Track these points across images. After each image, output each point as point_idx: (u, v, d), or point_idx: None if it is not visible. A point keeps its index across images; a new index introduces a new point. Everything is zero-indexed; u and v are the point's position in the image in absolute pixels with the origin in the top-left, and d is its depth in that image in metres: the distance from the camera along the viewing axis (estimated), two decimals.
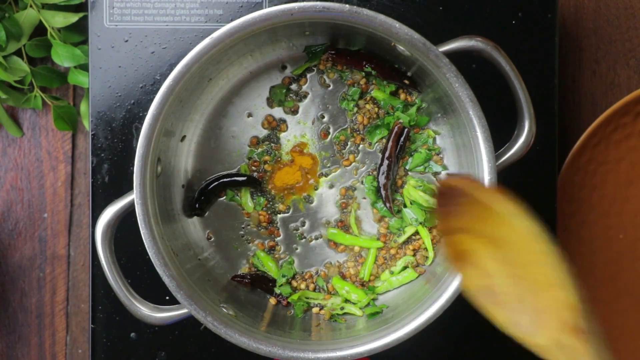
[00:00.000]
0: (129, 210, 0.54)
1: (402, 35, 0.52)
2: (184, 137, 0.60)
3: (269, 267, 0.62)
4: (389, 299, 0.62)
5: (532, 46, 0.63)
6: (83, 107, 0.67)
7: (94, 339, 0.63)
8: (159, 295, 0.56)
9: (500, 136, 0.54)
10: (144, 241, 0.53)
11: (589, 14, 0.70)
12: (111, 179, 0.62)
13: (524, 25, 0.63)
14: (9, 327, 0.69)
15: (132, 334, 0.63)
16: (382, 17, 0.52)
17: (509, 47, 0.55)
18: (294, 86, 0.62)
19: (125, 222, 0.56)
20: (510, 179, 0.55)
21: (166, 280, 0.53)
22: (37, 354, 0.69)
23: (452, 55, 0.53)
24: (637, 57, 0.70)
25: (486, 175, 0.53)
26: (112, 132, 0.62)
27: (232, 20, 0.52)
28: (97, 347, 0.63)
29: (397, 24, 0.52)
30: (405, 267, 0.61)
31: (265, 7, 0.53)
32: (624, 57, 0.70)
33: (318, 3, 0.52)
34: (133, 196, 0.53)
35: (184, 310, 0.53)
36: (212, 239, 0.62)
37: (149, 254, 0.53)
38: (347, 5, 0.52)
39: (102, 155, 0.62)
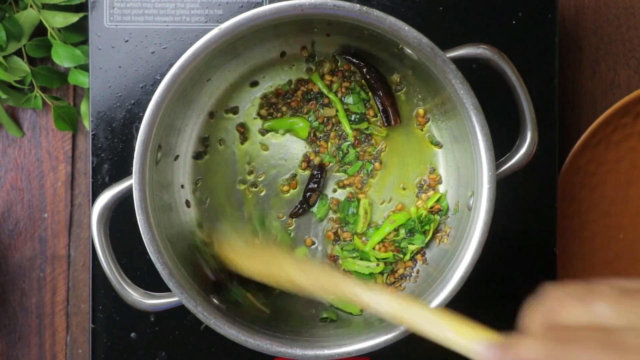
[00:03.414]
0: (126, 195, 0.53)
1: (411, 39, 0.52)
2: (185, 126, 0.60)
3: None
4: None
5: (532, 46, 0.63)
6: (83, 107, 0.67)
7: (94, 339, 0.63)
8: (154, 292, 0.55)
9: (498, 137, 0.54)
10: (140, 227, 0.52)
11: (589, 14, 0.70)
12: (111, 179, 0.62)
13: (524, 25, 0.63)
14: (9, 327, 0.69)
15: (132, 334, 0.63)
16: (391, 19, 0.51)
17: (508, 47, 0.55)
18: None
19: (125, 218, 0.56)
20: (510, 179, 0.55)
21: (159, 267, 0.52)
22: (37, 354, 0.69)
23: (456, 59, 0.53)
24: (637, 57, 0.70)
25: (485, 184, 0.53)
26: (113, 132, 0.62)
27: None
28: (97, 347, 0.63)
29: (406, 27, 0.51)
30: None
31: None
32: (624, 57, 0.70)
33: (329, 0, 0.51)
34: (131, 181, 0.52)
35: (175, 299, 0.53)
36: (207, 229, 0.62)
37: (144, 240, 0.52)
38: (357, 5, 0.51)
39: (102, 155, 0.62)
